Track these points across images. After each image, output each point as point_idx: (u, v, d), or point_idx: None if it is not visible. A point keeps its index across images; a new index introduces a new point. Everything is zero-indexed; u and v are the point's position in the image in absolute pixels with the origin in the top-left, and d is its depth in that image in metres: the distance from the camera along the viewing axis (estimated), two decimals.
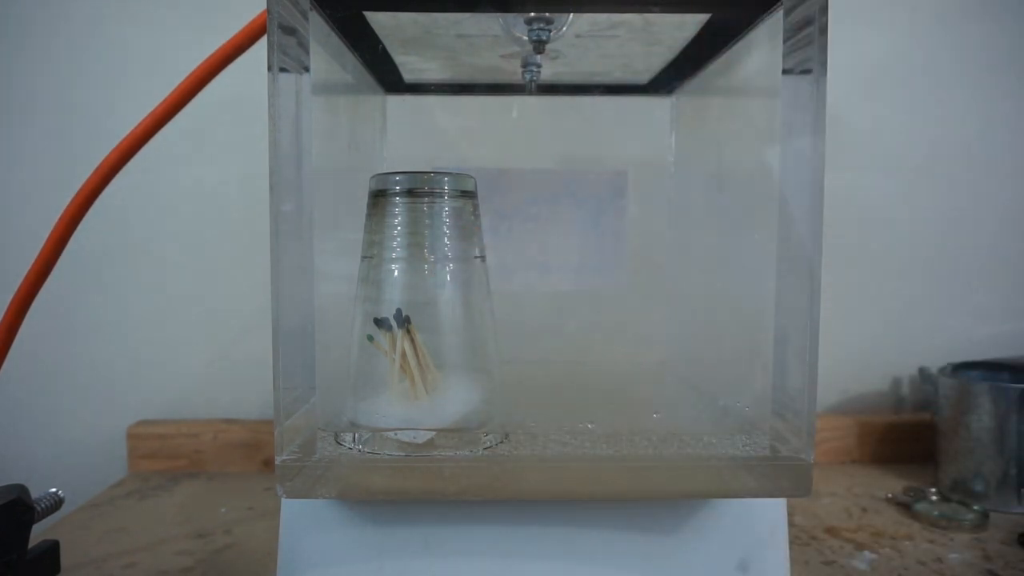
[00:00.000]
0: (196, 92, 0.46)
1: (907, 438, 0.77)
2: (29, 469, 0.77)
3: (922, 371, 0.73)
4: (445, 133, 0.65)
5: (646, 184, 0.65)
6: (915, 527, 0.60)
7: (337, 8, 0.41)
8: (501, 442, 0.41)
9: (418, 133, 0.65)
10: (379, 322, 0.41)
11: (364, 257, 0.42)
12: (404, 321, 0.40)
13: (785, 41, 0.39)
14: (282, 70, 0.37)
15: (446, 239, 0.41)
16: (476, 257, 0.43)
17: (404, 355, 0.40)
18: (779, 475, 0.39)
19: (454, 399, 0.41)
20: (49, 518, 0.43)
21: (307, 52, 0.38)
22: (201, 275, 0.76)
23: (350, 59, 0.50)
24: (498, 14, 0.44)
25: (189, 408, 0.78)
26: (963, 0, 0.77)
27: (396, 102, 0.63)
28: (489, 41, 0.49)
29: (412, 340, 0.40)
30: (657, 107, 0.64)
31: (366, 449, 0.40)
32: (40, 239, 0.46)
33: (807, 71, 0.38)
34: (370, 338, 0.41)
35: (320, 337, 0.39)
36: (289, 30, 0.37)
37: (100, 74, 0.75)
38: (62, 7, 0.74)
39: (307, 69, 0.38)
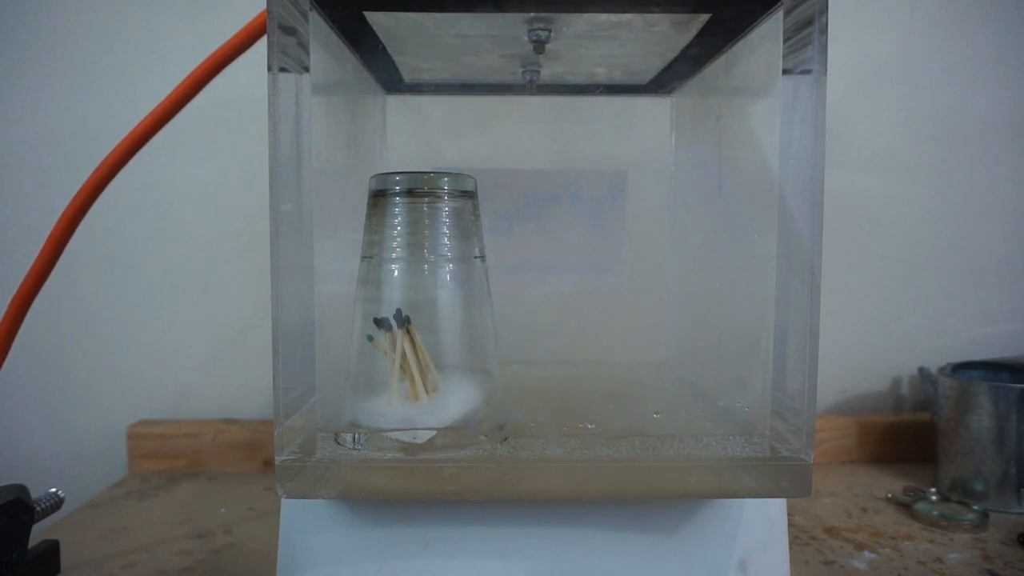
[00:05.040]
0: (196, 92, 0.46)
1: (907, 438, 0.77)
2: (29, 469, 0.77)
3: (922, 371, 0.73)
4: (445, 133, 0.65)
5: (646, 184, 0.65)
6: (915, 527, 0.60)
7: (337, 8, 0.41)
8: (501, 442, 0.41)
9: (417, 133, 0.65)
10: (379, 322, 0.41)
11: (364, 257, 0.42)
12: (404, 321, 0.40)
13: (785, 41, 0.39)
14: (282, 70, 0.37)
15: (446, 239, 0.41)
16: (476, 257, 0.43)
17: (404, 355, 0.40)
18: (779, 475, 0.39)
19: (454, 399, 0.41)
20: (49, 518, 0.43)
21: (307, 52, 0.38)
22: (201, 275, 0.76)
23: (350, 59, 0.50)
24: (498, 14, 0.44)
25: (189, 408, 0.78)
26: (963, 0, 0.77)
27: (396, 102, 0.63)
28: (489, 41, 0.49)
29: (412, 340, 0.40)
30: (657, 107, 0.64)
31: (366, 449, 0.40)
32: (40, 239, 0.46)
33: (807, 71, 0.38)
34: (370, 338, 0.41)
35: (320, 337, 0.39)
36: (289, 30, 0.37)
37: (101, 74, 0.75)
38: (64, 12, 0.74)
39: (307, 69, 0.38)
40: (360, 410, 0.41)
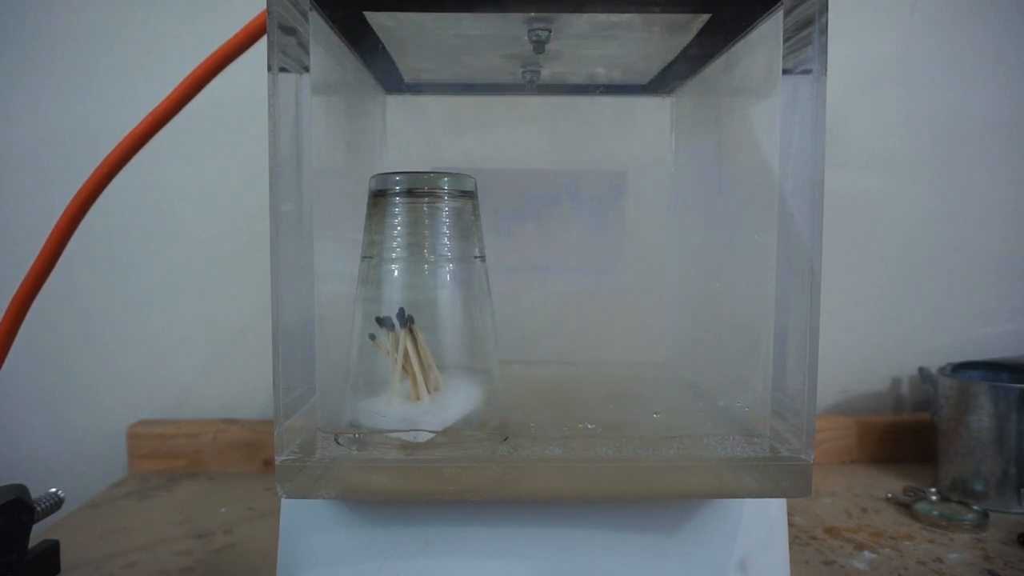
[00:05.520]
0: (196, 92, 0.46)
1: (907, 438, 0.77)
2: (29, 469, 0.77)
3: (922, 371, 0.73)
4: (445, 133, 0.65)
5: (646, 184, 0.65)
6: (915, 527, 0.60)
7: (337, 8, 0.41)
8: (502, 442, 0.41)
9: (418, 133, 0.65)
10: (381, 321, 0.40)
11: (364, 257, 0.42)
12: (408, 320, 0.40)
13: (785, 41, 0.39)
14: (282, 70, 0.37)
15: (446, 239, 0.41)
16: (476, 257, 0.43)
17: (407, 355, 0.40)
18: (779, 475, 0.39)
19: (456, 399, 0.41)
20: (49, 518, 0.43)
21: (307, 52, 0.38)
22: (201, 275, 0.76)
23: (350, 59, 0.50)
24: (498, 14, 0.44)
25: (189, 408, 0.78)
26: (963, 0, 0.77)
27: (396, 102, 0.63)
28: (489, 41, 0.49)
29: (415, 340, 0.40)
30: (657, 107, 0.64)
31: (367, 449, 0.40)
32: (40, 239, 0.46)
33: (807, 71, 0.38)
34: (372, 337, 0.41)
35: (320, 337, 0.39)
36: (289, 30, 0.37)
37: (101, 74, 0.75)
38: (64, 12, 0.74)
39: (307, 69, 0.38)
40: (361, 410, 0.41)
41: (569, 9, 0.42)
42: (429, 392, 0.40)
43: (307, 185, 0.38)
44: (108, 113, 0.74)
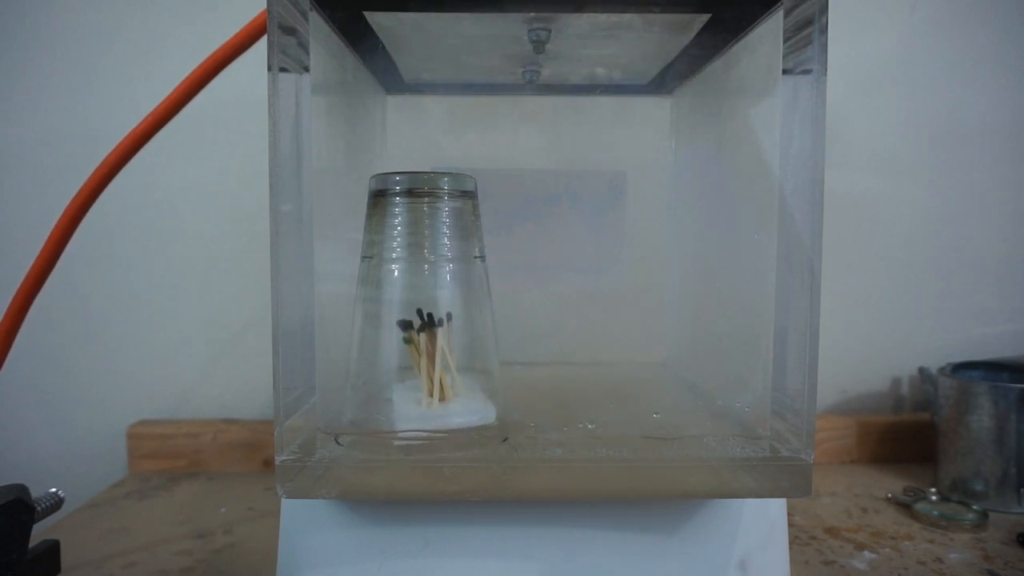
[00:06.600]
0: (196, 92, 0.46)
1: (907, 438, 0.77)
2: (29, 469, 0.77)
3: (922, 371, 0.73)
4: (445, 133, 0.65)
5: (646, 184, 0.65)
6: (915, 527, 0.60)
7: (337, 8, 0.41)
8: (502, 442, 0.40)
9: (418, 133, 0.65)
10: (408, 323, 0.40)
11: (364, 257, 0.42)
12: (447, 318, 0.40)
13: (785, 41, 0.39)
14: (282, 70, 0.37)
15: (446, 239, 0.41)
16: (476, 257, 0.43)
17: (443, 353, 0.40)
18: (779, 475, 0.39)
19: (481, 396, 0.41)
20: (49, 518, 0.43)
21: (307, 52, 0.38)
22: (201, 275, 0.76)
23: (350, 59, 0.50)
24: (498, 15, 0.44)
25: (189, 408, 0.78)
26: (963, 0, 0.77)
27: (397, 102, 0.63)
28: (489, 41, 0.49)
29: (435, 340, 0.40)
30: (657, 107, 0.64)
31: (366, 448, 0.40)
32: (40, 239, 0.46)
33: (807, 71, 0.38)
34: (407, 341, 0.40)
35: (320, 337, 0.39)
36: (289, 30, 0.37)
37: (101, 74, 0.75)
38: (64, 12, 0.74)
39: (307, 69, 0.38)
40: (385, 411, 0.41)
41: (569, 9, 0.42)
42: (457, 393, 0.41)
43: (307, 185, 0.38)
44: (108, 113, 0.74)
